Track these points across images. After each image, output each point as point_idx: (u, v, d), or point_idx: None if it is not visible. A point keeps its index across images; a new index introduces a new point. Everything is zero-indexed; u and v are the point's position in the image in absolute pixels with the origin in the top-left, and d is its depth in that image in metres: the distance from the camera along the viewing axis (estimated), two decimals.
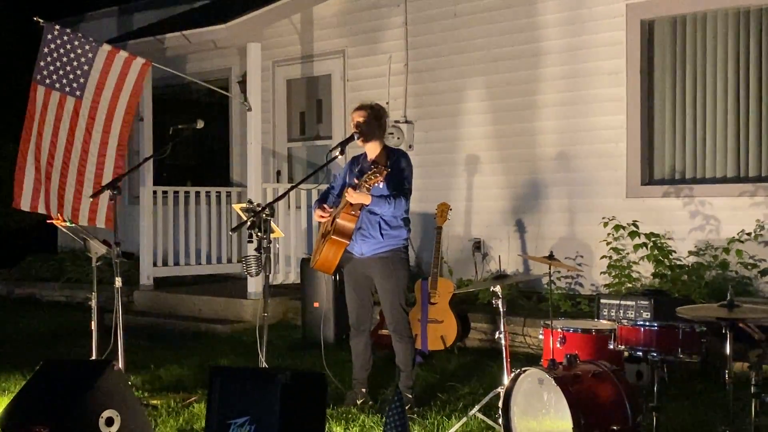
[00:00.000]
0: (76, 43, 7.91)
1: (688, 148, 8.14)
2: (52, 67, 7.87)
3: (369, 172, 5.44)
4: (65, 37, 7.91)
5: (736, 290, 5.01)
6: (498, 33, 9.13)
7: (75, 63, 7.88)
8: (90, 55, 7.89)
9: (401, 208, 5.69)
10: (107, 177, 7.83)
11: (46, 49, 7.92)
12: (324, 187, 9.57)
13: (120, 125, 7.96)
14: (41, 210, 8.10)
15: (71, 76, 7.87)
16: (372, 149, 5.82)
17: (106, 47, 8.07)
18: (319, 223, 6.03)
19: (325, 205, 5.87)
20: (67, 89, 7.86)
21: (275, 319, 8.90)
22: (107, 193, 7.36)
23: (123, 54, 8.06)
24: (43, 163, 7.99)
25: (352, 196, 5.52)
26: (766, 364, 5.51)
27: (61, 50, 7.87)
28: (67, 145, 7.93)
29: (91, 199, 7.65)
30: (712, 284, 7.33)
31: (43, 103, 7.93)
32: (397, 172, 5.68)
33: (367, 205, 5.59)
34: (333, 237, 5.64)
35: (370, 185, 5.45)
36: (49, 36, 7.93)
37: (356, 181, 5.62)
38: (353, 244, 5.74)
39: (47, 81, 7.90)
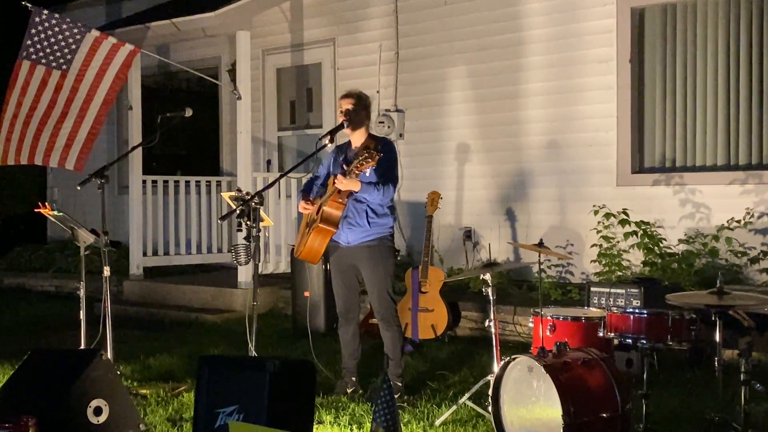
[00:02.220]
0: (64, 26, 7.89)
1: (678, 137, 8.14)
2: (39, 45, 7.86)
3: (360, 158, 5.39)
4: (53, 21, 7.89)
5: (726, 278, 5.01)
6: (488, 21, 9.10)
7: (63, 43, 7.88)
8: (78, 37, 7.88)
9: (389, 195, 5.67)
10: (78, 143, 7.89)
11: (33, 30, 7.90)
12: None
13: (98, 108, 7.94)
14: (11, 162, 8.15)
15: (58, 54, 7.87)
16: (358, 137, 5.80)
17: (95, 32, 8.04)
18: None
19: (309, 197, 5.83)
20: (54, 64, 7.85)
21: (265, 309, 8.88)
22: (84, 136, 7.40)
23: (111, 40, 8.03)
24: (19, 125, 8.01)
25: (341, 183, 5.48)
26: (756, 351, 5.54)
27: (49, 32, 7.86)
28: (46, 110, 7.96)
29: (65, 142, 7.77)
30: (702, 272, 7.34)
31: (26, 78, 7.93)
32: (385, 159, 5.65)
33: (356, 193, 5.56)
34: (320, 225, 5.61)
35: (360, 171, 5.42)
36: (37, 19, 7.91)
37: (346, 168, 5.58)
38: (339, 232, 5.71)
39: (33, 57, 7.88)
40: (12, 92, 7.99)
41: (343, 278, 5.89)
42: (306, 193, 5.90)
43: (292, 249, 8.67)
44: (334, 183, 5.61)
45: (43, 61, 7.86)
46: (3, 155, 8.16)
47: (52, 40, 7.85)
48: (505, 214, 8.97)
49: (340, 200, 5.59)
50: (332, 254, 5.85)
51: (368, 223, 5.70)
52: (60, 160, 8.06)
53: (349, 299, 5.92)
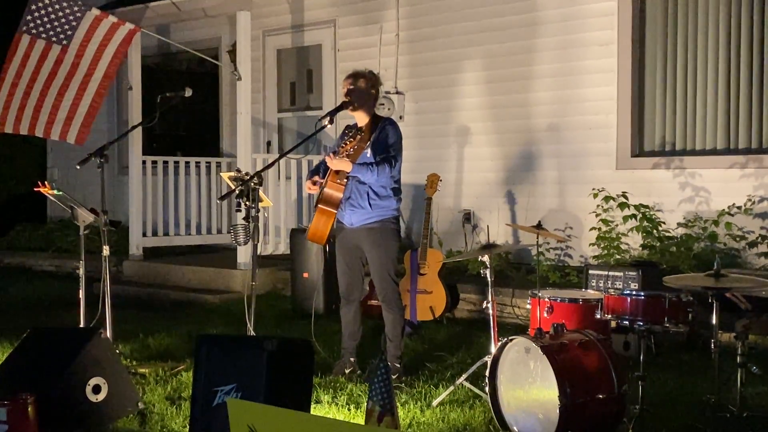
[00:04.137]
0: (64, 3, 7.90)
1: (678, 120, 8.13)
2: (39, 21, 7.86)
3: (345, 138, 5.45)
4: None
5: (724, 262, 5.02)
6: (490, 3, 9.07)
7: (63, 19, 7.87)
8: (78, 15, 7.87)
9: (385, 175, 5.64)
10: (79, 116, 7.90)
11: (33, 6, 7.90)
12: (314, 157, 9.56)
13: (98, 82, 7.94)
14: (9, 129, 8.15)
15: (58, 29, 7.87)
16: (361, 118, 5.78)
17: (95, 11, 8.03)
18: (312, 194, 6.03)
19: (316, 177, 5.84)
20: (54, 39, 7.85)
21: (265, 290, 8.90)
22: (85, 110, 7.43)
23: (111, 18, 8.02)
24: (19, 94, 8.00)
25: (332, 162, 5.51)
26: (753, 334, 5.55)
27: (49, 8, 7.87)
28: (46, 82, 7.94)
29: (66, 115, 7.78)
30: (701, 256, 7.35)
31: (26, 51, 7.92)
32: (383, 139, 5.65)
33: (349, 173, 5.57)
34: (320, 206, 5.64)
35: (347, 151, 5.46)
36: None
37: (339, 148, 5.62)
38: (343, 214, 5.73)
39: (33, 31, 7.88)
40: (11, 63, 7.99)
41: (347, 259, 5.90)
42: (315, 173, 5.90)
43: (292, 230, 8.71)
44: None
45: (43, 35, 7.86)
46: (1, 122, 8.15)
47: (53, 16, 7.84)
48: (504, 197, 8.98)
49: (338, 181, 5.60)
50: (338, 235, 5.87)
51: (370, 205, 5.70)
52: (61, 134, 8.06)
53: (352, 280, 5.93)
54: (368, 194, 5.69)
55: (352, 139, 5.46)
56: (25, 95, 8.06)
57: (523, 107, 8.89)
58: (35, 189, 6.19)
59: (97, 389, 4.81)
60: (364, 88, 5.74)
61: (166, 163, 10.53)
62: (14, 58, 7.98)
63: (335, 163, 5.51)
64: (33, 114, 8.04)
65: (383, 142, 5.64)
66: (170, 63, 12.52)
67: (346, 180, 5.61)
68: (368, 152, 5.60)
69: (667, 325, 4.63)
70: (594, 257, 7.97)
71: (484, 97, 9.17)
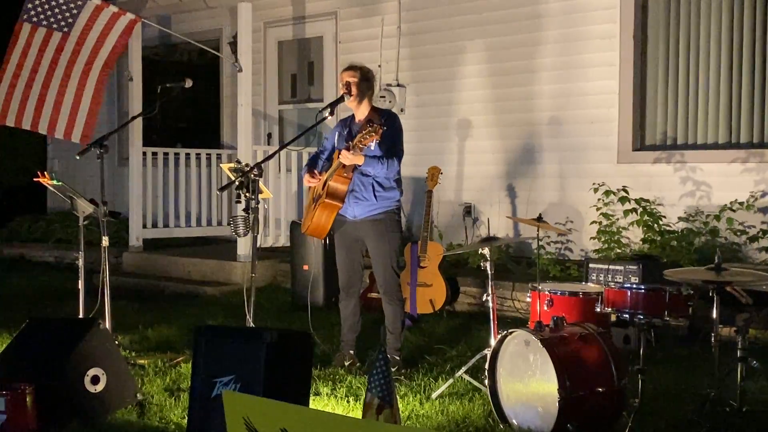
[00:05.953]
0: None
1: (680, 114, 8.11)
2: (39, 9, 7.85)
3: (364, 132, 5.37)
4: None
5: (725, 256, 5.01)
6: None
7: (63, 7, 7.86)
8: (79, 3, 7.85)
9: (394, 169, 5.66)
10: (83, 112, 7.88)
11: None
12: (314, 149, 9.54)
13: (98, 72, 7.92)
14: (10, 123, 8.12)
15: (59, 16, 7.85)
16: (361, 110, 5.77)
17: (96, 0, 7.99)
18: (309, 187, 5.98)
19: (315, 170, 5.81)
20: (54, 26, 7.83)
21: (265, 282, 8.90)
22: (87, 109, 7.43)
23: (112, 8, 8.00)
24: (21, 87, 7.97)
25: (345, 157, 5.46)
26: (753, 328, 5.54)
27: None
28: (48, 72, 7.92)
29: (69, 111, 7.75)
30: (701, 250, 7.34)
31: (27, 39, 7.90)
32: (389, 133, 5.62)
33: (360, 166, 5.54)
34: (326, 200, 5.60)
35: (364, 145, 5.40)
36: None
37: (351, 143, 5.54)
38: (346, 206, 5.70)
39: (34, 19, 7.86)
40: (12, 53, 7.97)
41: (348, 252, 5.88)
42: (311, 167, 5.87)
43: (292, 223, 8.69)
44: (338, 157, 5.59)
45: (44, 23, 7.84)
46: (1, 115, 8.13)
47: (53, 3, 7.82)
48: (505, 190, 8.96)
49: (345, 174, 5.57)
50: (337, 229, 5.83)
51: (375, 197, 5.68)
52: (66, 132, 8.05)
53: (352, 273, 5.92)
54: (373, 186, 5.67)
55: (374, 134, 5.34)
56: (27, 87, 8.04)
57: (525, 101, 8.87)
58: (35, 179, 6.18)
59: (95, 380, 4.80)
60: (362, 81, 5.72)
61: (166, 154, 10.51)
62: (16, 47, 7.96)
63: (350, 158, 5.46)
64: (36, 108, 8.01)
65: (390, 136, 5.60)
66: (171, 54, 12.50)
67: (351, 173, 5.59)
68: (372, 145, 5.56)
69: (668, 318, 4.63)
70: (594, 251, 7.95)
71: (485, 90, 9.15)
